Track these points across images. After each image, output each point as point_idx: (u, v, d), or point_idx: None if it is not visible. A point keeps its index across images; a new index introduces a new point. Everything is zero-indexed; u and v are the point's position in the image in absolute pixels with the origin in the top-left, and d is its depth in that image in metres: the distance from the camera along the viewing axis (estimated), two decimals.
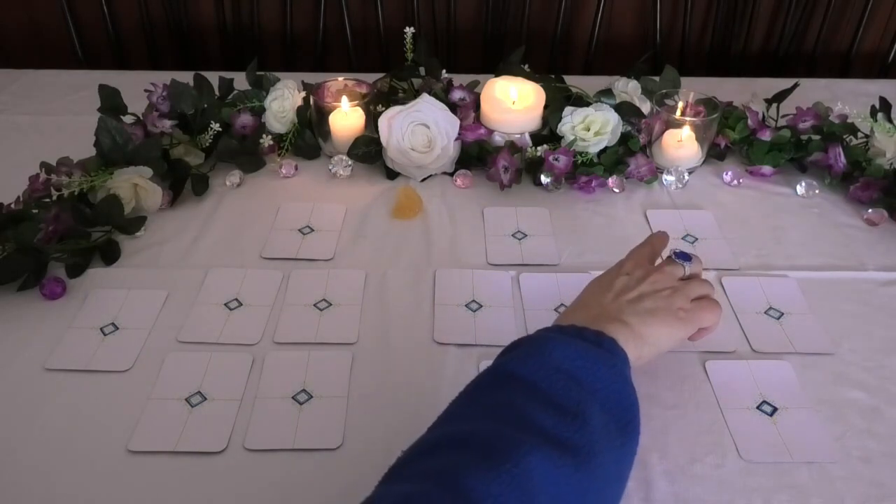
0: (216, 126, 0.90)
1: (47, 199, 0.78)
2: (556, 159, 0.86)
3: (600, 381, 0.48)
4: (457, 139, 0.88)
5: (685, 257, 0.62)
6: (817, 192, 0.88)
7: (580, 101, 0.94)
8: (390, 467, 0.44)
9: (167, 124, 0.89)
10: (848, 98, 0.99)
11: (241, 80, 0.99)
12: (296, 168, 0.91)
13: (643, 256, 0.62)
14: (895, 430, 0.59)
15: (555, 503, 0.41)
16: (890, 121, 0.90)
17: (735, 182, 0.89)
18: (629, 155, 0.89)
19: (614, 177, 0.87)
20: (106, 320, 0.68)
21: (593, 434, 0.45)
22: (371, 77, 0.98)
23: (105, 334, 0.67)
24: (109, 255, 0.76)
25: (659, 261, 0.64)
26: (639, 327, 0.54)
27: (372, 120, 0.91)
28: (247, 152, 0.91)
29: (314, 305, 0.71)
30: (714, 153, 0.93)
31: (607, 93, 0.96)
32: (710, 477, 0.55)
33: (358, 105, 0.90)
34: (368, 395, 0.62)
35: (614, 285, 0.58)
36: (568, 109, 0.89)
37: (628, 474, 0.49)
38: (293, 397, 0.61)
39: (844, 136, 0.91)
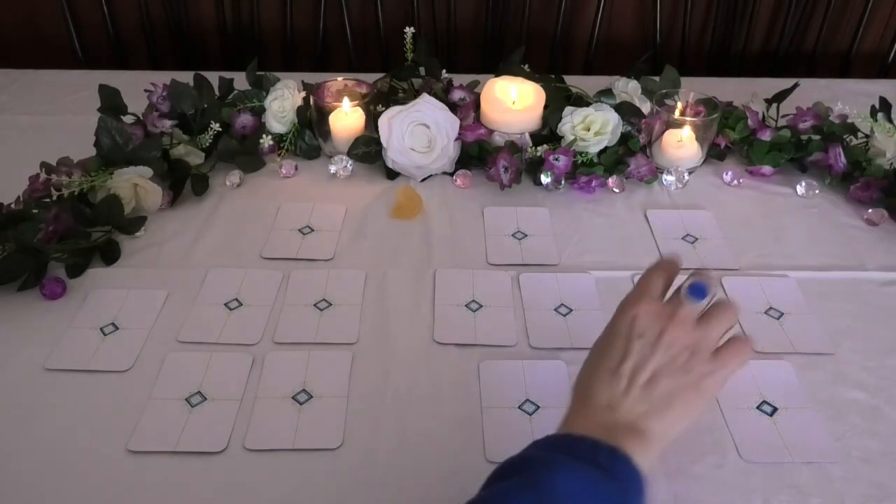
0: (216, 126, 0.90)
1: (47, 199, 0.78)
2: (556, 159, 0.86)
3: None
4: (457, 139, 0.88)
5: (699, 292, 0.51)
6: (817, 192, 0.88)
7: (580, 101, 0.94)
8: None
9: (167, 124, 0.89)
10: (848, 98, 0.99)
11: (241, 80, 0.99)
12: (296, 168, 0.91)
13: (657, 294, 0.53)
14: (895, 430, 0.59)
15: None
16: (890, 121, 0.90)
17: (735, 182, 0.89)
18: (629, 155, 0.89)
19: (614, 177, 0.87)
20: (106, 320, 0.68)
21: None
22: (371, 77, 0.98)
23: (105, 334, 0.67)
24: (109, 255, 0.76)
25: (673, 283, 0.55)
26: (655, 430, 0.48)
27: (372, 120, 0.91)
28: (247, 152, 0.91)
29: (314, 305, 0.71)
30: (714, 153, 0.93)
31: (607, 93, 0.96)
32: (710, 477, 0.56)
33: (358, 105, 0.90)
34: (368, 395, 0.62)
35: (625, 365, 0.50)
36: (568, 109, 0.89)
37: None
38: (293, 397, 0.61)
39: (844, 136, 0.91)
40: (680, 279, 0.54)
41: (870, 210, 0.84)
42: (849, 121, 0.92)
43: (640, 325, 0.51)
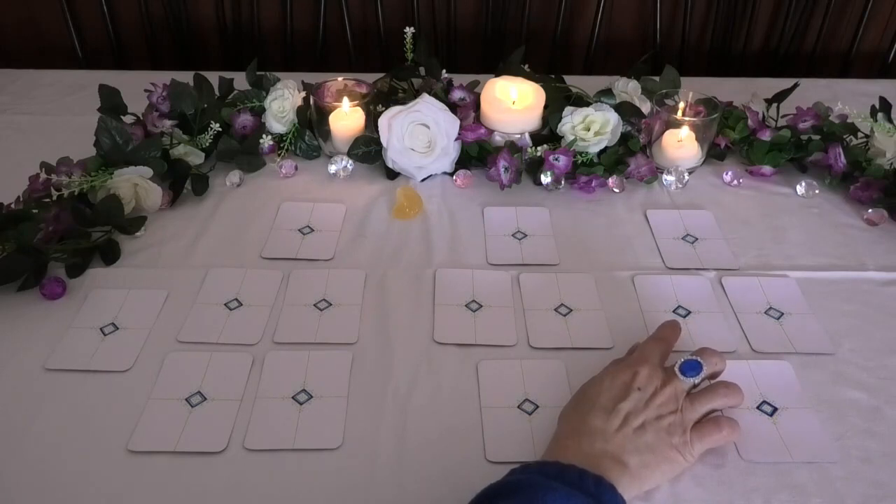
0: (216, 126, 0.90)
1: (47, 199, 0.78)
2: (556, 159, 0.86)
3: None
4: (457, 139, 0.88)
5: (693, 369, 0.57)
6: (817, 192, 0.88)
7: (580, 101, 0.94)
8: None
9: (167, 124, 0.89)
10: (848, 98, 0.99)
11: (241, 80, 0.99)
12: (296, 168, 0.91)
13: (657, 361, 0.59)
14: (895, 430, 0.59)
15: None
16: (890, 121, 0.90)
17: (735, 182, 0.89)
18: (629, 155, 0.89)
19: (614, 177, 0.87)
20: (106, 320, 0.68)
21: None
22: (371, 77, 0.98)
23: (105, 334, 0.67)
24: (109, 255, 0.76)
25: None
26: (637, 468, 0.52)
27: (372, 120, 0.91)
28: (247, 152, 0.91)
29: (314, 305, 0.71)
30: (714, 153, 0.93)
31: (607, 93, 0.96)
32: (710, 477, 0.55)
33: (358, 105, 0.90)
34: (368, 395, 0.62)
35: (624, 405, 0.55)
36: (568, 109, 0.89)
37: None
38: (293, 397, 0.61)
39: (844, 136, 0.91)
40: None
41: (870, 210, 0.84)
42: (849, 121, 0.92)
43: (640, 379, 0.56)
